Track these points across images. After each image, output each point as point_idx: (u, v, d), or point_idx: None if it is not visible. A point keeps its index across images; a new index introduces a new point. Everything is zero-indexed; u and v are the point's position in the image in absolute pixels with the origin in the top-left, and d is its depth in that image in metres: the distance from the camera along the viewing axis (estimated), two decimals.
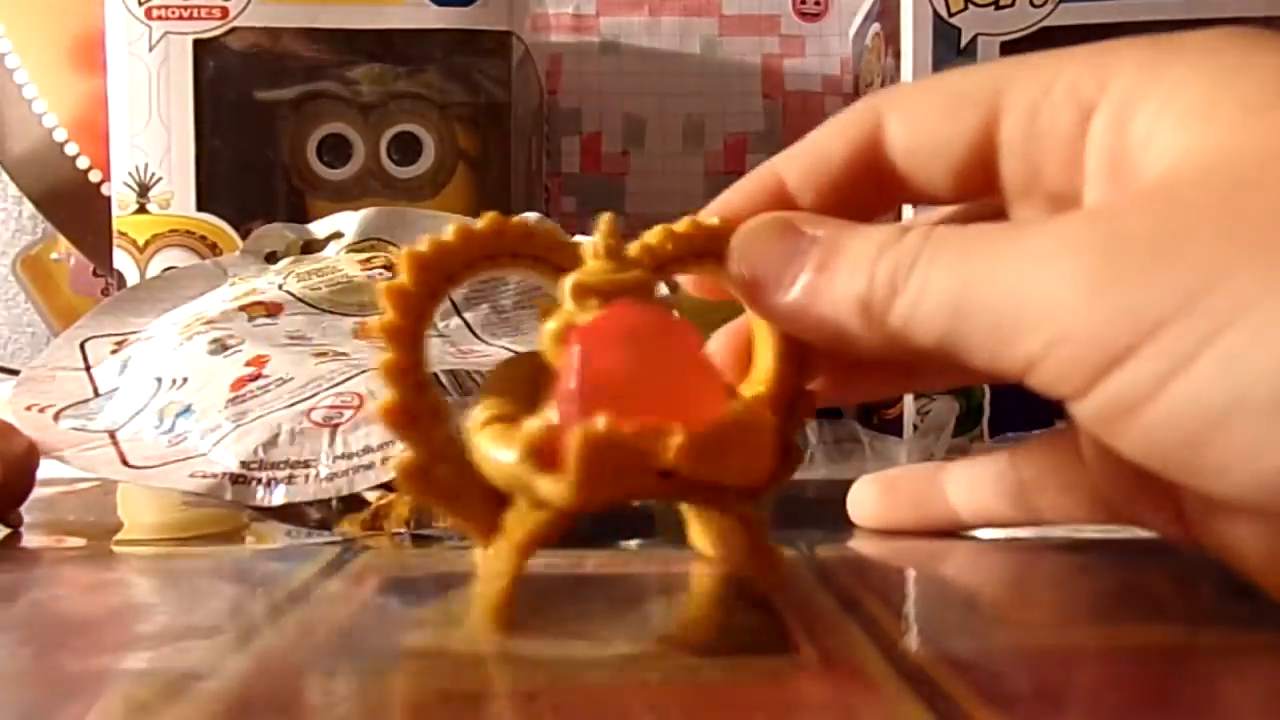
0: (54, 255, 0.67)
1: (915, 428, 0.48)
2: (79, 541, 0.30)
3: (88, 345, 0.40)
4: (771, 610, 0.23)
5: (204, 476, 0.32)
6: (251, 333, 0.39)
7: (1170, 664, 0.20)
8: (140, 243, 0.51)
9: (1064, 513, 0.26)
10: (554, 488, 0.19)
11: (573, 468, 0.18)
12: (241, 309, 0.41)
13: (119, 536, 0.31)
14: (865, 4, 0.62)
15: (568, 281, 0.22)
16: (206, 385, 0.36)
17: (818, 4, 0.71)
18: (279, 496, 0.30)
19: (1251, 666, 0.20)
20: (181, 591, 0.24)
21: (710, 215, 0.24)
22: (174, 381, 0.36)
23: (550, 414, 0.20)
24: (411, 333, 0.22)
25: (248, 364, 0.37)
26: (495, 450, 0.21)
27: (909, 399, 0.49)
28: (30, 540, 0.31)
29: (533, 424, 0.19)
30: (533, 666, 0.19)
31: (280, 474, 0.32)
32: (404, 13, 0.53)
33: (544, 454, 0.19)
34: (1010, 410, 0.48)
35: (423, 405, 0.22)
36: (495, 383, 0.23)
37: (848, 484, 0.42)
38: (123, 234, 0.51)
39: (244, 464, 0.31)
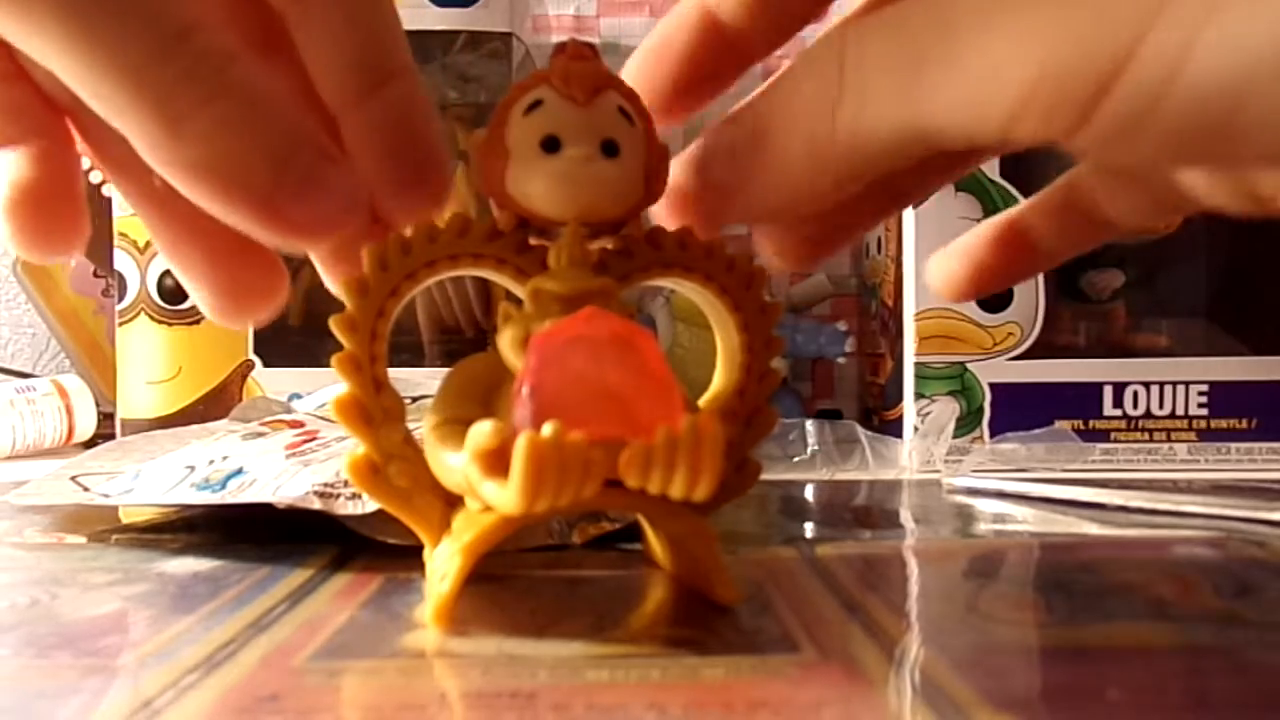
0: None
1: (915, 429, 0.48)
2: (79, 539, 0.30)
3: (79, 479, 0.35)
4: (772, 610, 0.23)
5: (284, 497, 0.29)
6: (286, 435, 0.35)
7: (1171, 664, 0.20)
8: (140, 244, 0.51)
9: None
10: (500, 493, 0.19)
11: (518, 475, 0.18)
12: (263, 425, 0.38)
13: (118, 535, 0.31)
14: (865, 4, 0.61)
15: (529, 287, 0.22)
16: (255, 456, 0.32)
17: None
18: (370, 504, 0.27)
19: (1251, 666, 0.20)
20: (181, 589, 0.25)
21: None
22: (210, 461, 0.32)
23: (507, 419, 0.20)
24: (370, 328, 0.22)
25: (296, 435, 0.34)
26: (446, 453, 0.21)
27: (909, 400, 0.49)
28: (31, 539, 0.31)
29: (482, 428, 0.19)
30: (533, 666, 0.19)
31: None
32: (404, 14, 0.52)
33: (492, 459, 0.19)
34: (1010, 411, 0.48)
35: (378, 403, 0.22)
36: (452, 383, 0.23)
37: (848, 484, 0.42)
38: (123, 235, 0.51)
39: (325, 484, 0.28)
